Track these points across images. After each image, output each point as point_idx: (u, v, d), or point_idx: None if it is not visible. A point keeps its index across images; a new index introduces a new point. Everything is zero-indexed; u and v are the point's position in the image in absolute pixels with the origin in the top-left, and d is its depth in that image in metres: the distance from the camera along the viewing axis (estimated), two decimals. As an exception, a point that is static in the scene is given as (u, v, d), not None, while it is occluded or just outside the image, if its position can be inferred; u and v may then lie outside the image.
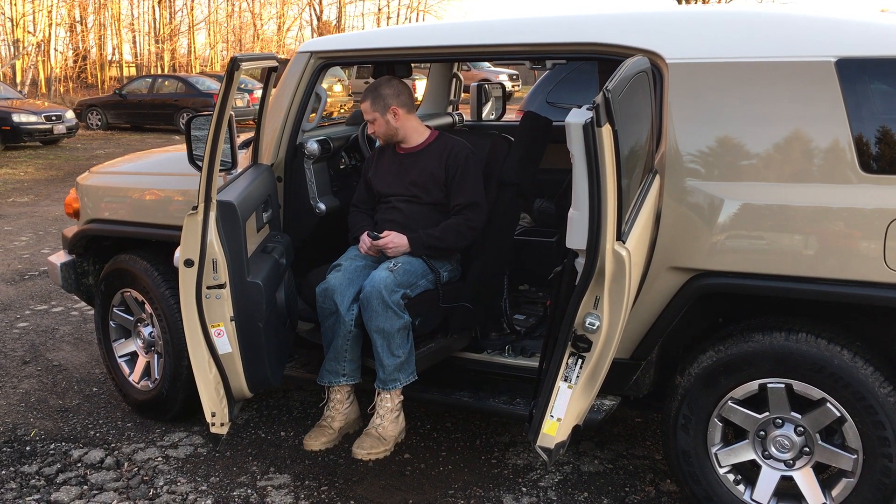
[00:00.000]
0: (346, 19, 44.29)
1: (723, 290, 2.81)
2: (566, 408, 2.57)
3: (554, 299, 2.63)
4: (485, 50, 3.21)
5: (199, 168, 3.13)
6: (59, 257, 4.21)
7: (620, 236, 2.39)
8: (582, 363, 2.55)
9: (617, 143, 2.26)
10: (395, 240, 3.26)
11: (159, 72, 33.47)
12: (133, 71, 36.38)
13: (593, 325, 2.48)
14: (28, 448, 3.66)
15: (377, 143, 3.86)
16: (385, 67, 3.74)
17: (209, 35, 38.49)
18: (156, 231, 3.70)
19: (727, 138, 2.75)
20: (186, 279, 2.73)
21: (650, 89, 2.75)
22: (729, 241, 2.75)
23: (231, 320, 2.81)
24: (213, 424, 2.92)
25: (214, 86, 20.87)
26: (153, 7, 36.99)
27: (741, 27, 2.84)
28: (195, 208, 2.71)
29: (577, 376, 2.56)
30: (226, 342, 2.80)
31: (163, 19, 36.55)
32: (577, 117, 2.25)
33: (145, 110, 20.82)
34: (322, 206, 3.51)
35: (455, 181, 3.29)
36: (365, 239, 3.30)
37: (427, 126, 3.51)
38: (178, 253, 2.80)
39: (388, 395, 3.20)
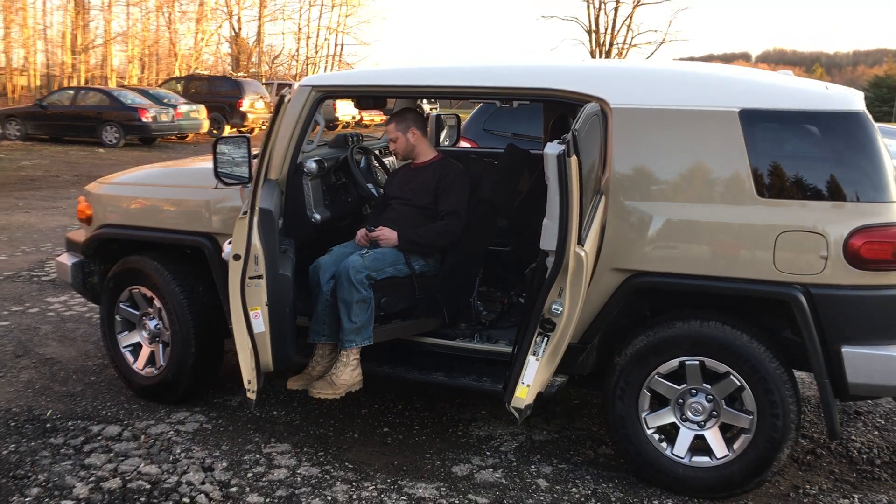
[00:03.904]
0: (265, 38, 44.48)
1: (652, 287, 3.56)
2: (534, 376, 3.28)
3: (528, 290, 3.34)
4: (463, 90, 3.91)
5: (224, 182, 3.73)
6: (66, 258, 4.69)
7: (581, 241, 3.12)
8: (547, 341, 3.27)
9: (581, 169, 2.99)
10: (385, 233, 4.01)
11: (73, 83, 33.04)
12: (39, 81, 35.82)
13: (557, 311, 3.20)
14: (48, 425, 4.13)
15: (362, 163, 4.53)
16: (372, 101, 4.42)
17: (128, 48, 38.07)
18: (167, 235, 4.26)
19: (655, 168, 3.51)
20: (235, 270, 3.34)
21: (600, 127, 3.49)
22: (657, 248, 3.50)
23: (266, 305, 3.42)
24: (249, 391, 3.51)
25: (139, 100, 20.94)
26: (67, 18, 36.44)
27: (667, 81, 3.63)
28: (244, 213, 3.32)
29: (543, 351, 3.28)
30: (261, 323, 3.41)
31: (78, 30, 36.01)
32: (553, 149, 2.97)
33: (67, 122, 20.69)
34: (317, 216, 4.13)
35: (443, 193, 4.06)
36: (362, 231, 4.05)
37: (437, 150, 4.33)
38: (227, 248, 3.39)
39: (346, 352, 3.86)
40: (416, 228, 4.02)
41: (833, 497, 3.64)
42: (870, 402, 4.69)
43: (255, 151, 3.94)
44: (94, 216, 4.51)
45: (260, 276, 3.39)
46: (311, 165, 4.10)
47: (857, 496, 3.65)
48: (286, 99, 3.36)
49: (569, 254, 3.08)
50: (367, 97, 4.40)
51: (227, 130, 24.72)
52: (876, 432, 4.34)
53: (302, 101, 4.04)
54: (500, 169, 4.09)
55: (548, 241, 3.11)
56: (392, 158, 5.04)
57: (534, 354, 3.28)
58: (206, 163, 4.61)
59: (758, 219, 3.38)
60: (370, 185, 4.43)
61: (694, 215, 3.46)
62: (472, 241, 4.03)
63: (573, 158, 2.95)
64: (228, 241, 3.49)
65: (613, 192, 3.53)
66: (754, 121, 3.41)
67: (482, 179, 4.14)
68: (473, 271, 4.18)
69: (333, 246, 4.12)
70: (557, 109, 4.80)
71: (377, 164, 4.74)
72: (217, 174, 3.72)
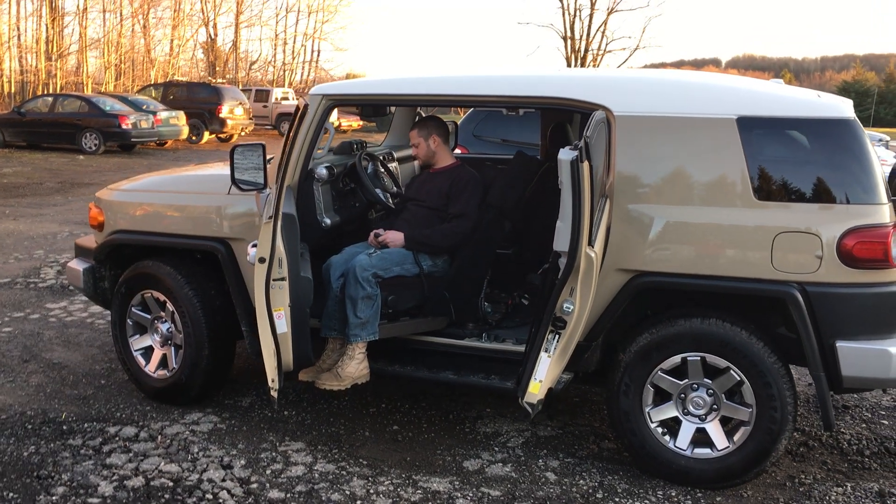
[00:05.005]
0: (241, 44, 44.37)
1: (655, 287, 3.72)
2: (546, 372, 3.43)
3: (540, 290, 3.49)
4: (471, 99, 4.06)
5: (240, 188, 3.85)
6: (77, 264, 4.77)
7: (591, 242, 3.28)
8: (558, 338, 3.42)
9: (592, 174, 3.15)
10: (390, 235, 4.20)
11: (49, 90, 32.82)
12: (13, 88, 35.50)
13: (569, 309, 3.36)
14: (65, 427, 4.21)
15: (369, 169, 4.67)
16: (378, 108, 4.56)
17: (104, 55, 37.82)
18: (181, 240, 4.36)
19: (657, 173, 3.67)
20: (260, 273, 3.46)
21: (605, 134, 3.65)
22: (659, 249, 3.66)
23: (288, 306, 3.54)
24: (272, 389, 3.63)
25: (118, 106, 20.90)
26: (42, 24, 36.15)
27: (669, 89, 3.80)
28: (270, 218, 3.44)
29: (555, 348, 3.43)
30: (283, 324, 3.54)
31: (53, 36, 35.73)
32: (566, 155, 3.13)
33: (45, 129, 20.61)
34: (327, 221, 4.25)
35: (454, 196, 4.23)
36: (372, 235, 4.23)
37: (455, 158, 4.50)
38: (252, 252, 3.51)
39: (351, 346, 4.02)
40: (425, 229, 4.18)
41: (827, 486, 3.82)
42: (856, 396, 4.89)
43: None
44: (106, 222, 4.59)
45: (283, 279, 3.51)
46: (322, 171, 4.22)
47: (849, 485, 3.83)
48: (306, 107, 3.49)
49: (580, 254, 3.23)
50: (376, 105, 4.54)
51: (207, 137, 24.74)
52: (864, 425, 4.54)
53: (313, 110, 4.16)
54: (508, 175, 4.24)
55: (561, 242, 3.26)
56: (396, 164, 5.18)
57: (546, 351, 3.43)
58: (215, 169, 4.73)
59: (755, 221, 3.55)
60: (378, 191, 4.56)
61: (694, 218, 3.62)
62: (481, 243, 4.18)
63: (585, 164, 3.10)
64: (252, 244, 3.61)
65: (617, 196, 3.69)
66: (751, 128, 3.58)
67: (492, 185, 4.29)
68: (482, 273, 4.33)
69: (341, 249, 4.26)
70: (555, 117, 4.98)
71: (383, 170, 4.88)
72: (234, 180, 3.84)
